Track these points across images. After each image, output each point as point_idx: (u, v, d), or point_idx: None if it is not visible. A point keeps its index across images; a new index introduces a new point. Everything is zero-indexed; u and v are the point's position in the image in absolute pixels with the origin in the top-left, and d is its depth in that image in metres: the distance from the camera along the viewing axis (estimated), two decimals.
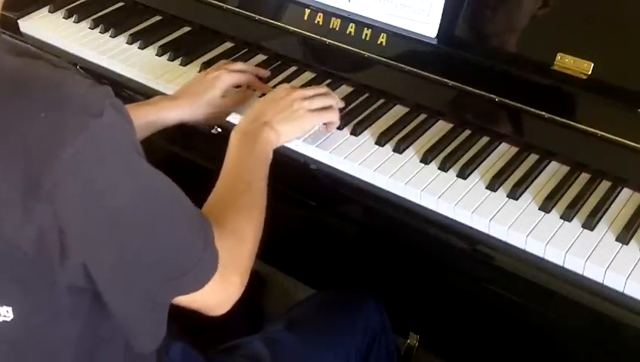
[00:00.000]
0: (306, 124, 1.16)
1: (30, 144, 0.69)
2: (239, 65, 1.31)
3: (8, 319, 0.77)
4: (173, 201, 0.82)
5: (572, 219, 1.05)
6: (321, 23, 1.34)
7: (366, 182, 1.15)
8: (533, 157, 1.16)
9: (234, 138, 1.09)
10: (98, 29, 1.51)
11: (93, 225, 0.73)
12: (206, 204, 0.99)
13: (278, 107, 1.14)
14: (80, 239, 0.73)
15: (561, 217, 1.05)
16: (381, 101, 1.29)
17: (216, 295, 0.89)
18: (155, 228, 0.79)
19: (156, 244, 0.79)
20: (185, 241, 0.82)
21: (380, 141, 1.19)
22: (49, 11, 1.58)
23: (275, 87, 1.32)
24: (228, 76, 1.26)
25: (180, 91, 1.27)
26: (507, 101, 1.17)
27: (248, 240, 0.95)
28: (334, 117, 1.19)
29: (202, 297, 0.86)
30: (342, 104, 1.23)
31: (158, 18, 1.55)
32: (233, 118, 1.28)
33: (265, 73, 1.34)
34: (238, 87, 1.30)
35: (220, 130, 1.28)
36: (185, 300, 0.86)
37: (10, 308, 0.76)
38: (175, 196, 0.83)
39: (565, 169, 1.14)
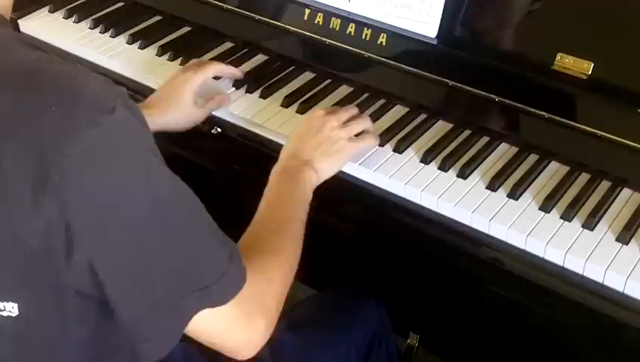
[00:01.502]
0: (347, 155, 1.13)
1: (42, 137, 0.69)
2: (202, 61, 1.32)
3: (13, 315, 0.76)
4: (193, 209, 0.80)
5: (572, 219, 1.05)
6: (321, 23, 1.34)
7: (366, 182, 1.15)
8: (533, 158, 1.16)
9: (273, 175, 1.07)
10: (98, 29, 1.51)
11: (101, 221, 0.72)
12: (240, 241, 0.95)
13: (316, 140, 1.10)
14: (86, 235, 0.72)
15: (561, 217, 1.05)
16: (381, 101, 1.29)
17: (238, 336, 0.85)
18: (172, 233, 0.76)
19: (173, 250, 0.77)
20: (207, 251, 0.80)
21: (380, 141, 1.19)
22: (49, 11, 1.58)
23: (276, 85, 1.33)
24: (196, 77, 1.25)
25: (152, 100, 1.25)
26: (507, 101, 1.17)
27: (275, 282, 0.90)
28: (373, 141, 1.16)
29: (222, 337, 0.84)
30: (372, 125, 1.19)
31: (158, 18, 1.55)
32: (230, 117, 1.28)
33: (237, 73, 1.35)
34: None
35: (219, 130, 1.28)
36: (204, 338, 0.83)
37: (15, 305, 0.76)
38: (196, 205, 0.80)
39: (565, 169, 1.14)
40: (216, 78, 1.34)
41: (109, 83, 0.75)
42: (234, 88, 1.34)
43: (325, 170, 1.10)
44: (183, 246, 0.77)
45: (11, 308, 0.76)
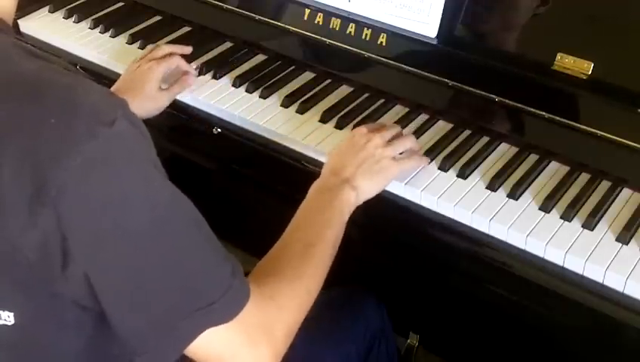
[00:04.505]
0: (391, 175, 1.08)
1: (40, 149, 0.68)
2: (164, 50, 1.34)
3: (9, 324, 0.76)
4: (194, 223, 0.78)
5: (572, 219, 1.05)
6: (321, 23, 1.34)
7: None
8: (533, 158, 1.16)
9: (311, 192, 1.03)
10: (98, 29, 1.51)
11: (97, 235, 0.71)
12: (261, 260, 0.92)
13: (359, 158, 1.06)
14: (82, 248, 0.71)
15: (561, 217, 1.05)
16: (381, 101, 1.29)
17: None
18: (172, 247, 0.74)
19: (173, 265, 0.75)
20: (209, 267, 0.77)
21: None
22: (49, 11, 1.58)
23: (276, 84, 1.33)
24: (158, 66, 1.28)
25: (117, 89, 1.27)
26: (507, 101, 1.17)
27: (288, 310, 0.85)
28: (419, 162, 1.12)
29: (222, 361, 0.80)
30: (417, 145, 1.15)
31: (158, 18, 1.55)
32: (230, 117, 1.28)
33: (188, 50, 1.38)
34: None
35: (219, 130, 1.28)
36: (203, 359, 0.80)
37: (11, 314, 0.75)
38: (197, 219, 0.78)
39: (565, 169, 1.14)
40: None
41: (110, 94, 0.74)
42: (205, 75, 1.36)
43: (366, 190, 1.05)
44: (183, 262, 0.75)
45: (7, 317, 0.76)
